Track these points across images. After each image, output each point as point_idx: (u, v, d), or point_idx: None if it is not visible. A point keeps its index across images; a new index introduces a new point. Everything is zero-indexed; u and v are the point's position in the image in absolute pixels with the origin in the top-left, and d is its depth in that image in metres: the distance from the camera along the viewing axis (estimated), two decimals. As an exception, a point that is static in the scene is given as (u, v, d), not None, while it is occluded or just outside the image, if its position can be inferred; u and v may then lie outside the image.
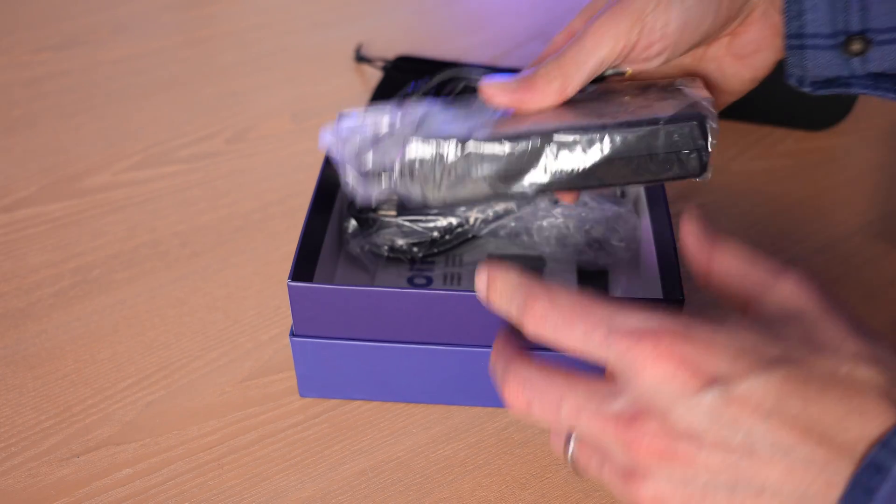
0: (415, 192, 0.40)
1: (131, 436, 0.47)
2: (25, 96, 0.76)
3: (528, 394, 0.33)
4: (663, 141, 0.39)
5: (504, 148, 0.39)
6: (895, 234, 0.61)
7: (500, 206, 0.57)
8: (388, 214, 0.57)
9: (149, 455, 0.46)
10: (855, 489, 0.28)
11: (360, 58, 0.80)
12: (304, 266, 0.47)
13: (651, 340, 0.29)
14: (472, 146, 0.39)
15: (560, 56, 0.40)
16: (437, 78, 0.44)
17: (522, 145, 0.39)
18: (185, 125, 0.73)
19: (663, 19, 0.39)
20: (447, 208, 0.41)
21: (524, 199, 0.41)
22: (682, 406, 0.29)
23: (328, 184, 0.53)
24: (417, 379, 0.48)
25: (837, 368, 0.29)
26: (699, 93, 0.40)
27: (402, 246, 0.56)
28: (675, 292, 0.44)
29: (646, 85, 0.42)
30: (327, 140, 0.41)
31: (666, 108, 0.39)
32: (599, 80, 0.43)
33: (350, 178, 0.41)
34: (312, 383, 0.49)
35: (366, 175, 0.41)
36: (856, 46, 0.40)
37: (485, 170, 0.40)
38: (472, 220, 0.57)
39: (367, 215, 0.57)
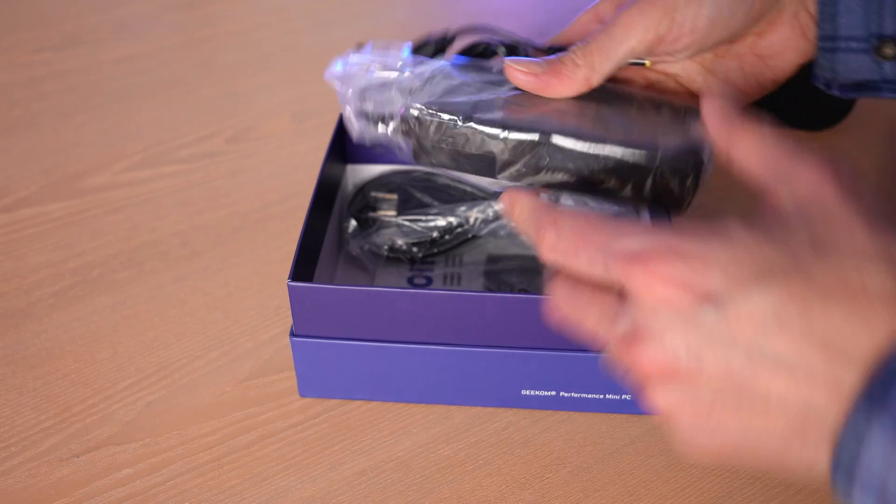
0: (406, 149, 0.41)
1: (131, 436, 0.47)
2: (25, 96, 0.76)
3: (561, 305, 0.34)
4: (655, 173, 0.39)
5: (502, 135, 0.39)
6: (895, 234, 0.60)
7: (500, 206, 0.57)
8: (388, 214, 0.57)
9: (149, 455, 0.46)
10: (872, 390, 0.26)
11: (360, 58, 0.80)
12: (304, 266, 0.47)
13: (643, 264, 0.29)
14: (472, 125, 0.39)
15: (588, 44, 0.39)
16: (457, 31, 0.44)
17: (520, 138, 0.39)
18: (185, 125, 0.73)
19: (694, 14, 0.39)
20: (432, 168, 0.41)
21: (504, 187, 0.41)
22: (679, 327, 0.29)
23: (328, 184, 0.53)
24: (417, 379, 0.48)
25: (843, 272, 0.27)
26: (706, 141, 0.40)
27: (401, 246, 0.56)
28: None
29: (658, 101, 0.42)
30: (335, 73, 0.41)
31: (668, 139, 0.39)
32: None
33: (348, 114, 0.41)
34: (312, 383, 0.49)
35: (364, 115, 0.41)
36: (889, 50, 0.40)
37: (479, 150, 0.40)
38: (472, 220, 0.57)
39: (366, 215, 0.57)
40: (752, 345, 0.28)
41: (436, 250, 0.57)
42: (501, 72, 0.41)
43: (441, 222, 0.56)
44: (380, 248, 0.56)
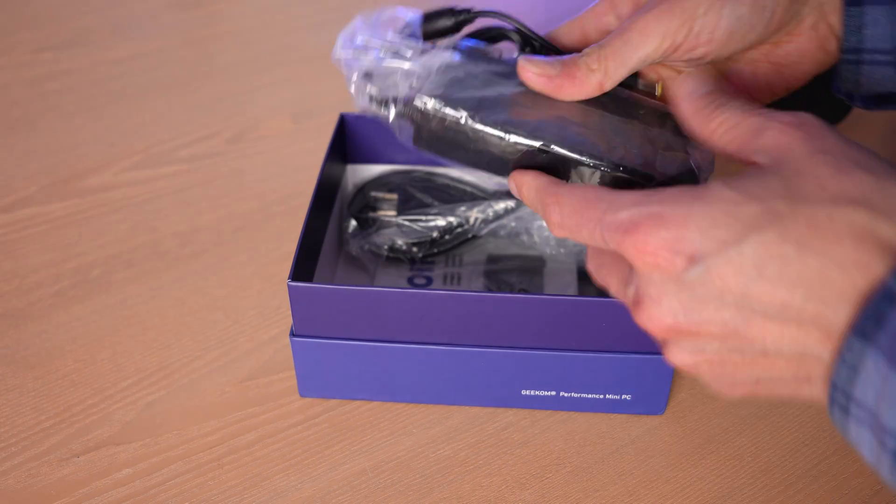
0: (405, 134, 0.41)
1: (131, 436, 0.47)
2: (25, 96, 0.76)
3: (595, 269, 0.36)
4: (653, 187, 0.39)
5: (504, 138, 0.39)
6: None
7: (500, 206, 0.57)
8: (388, 214, 0.57)
9: (149, 455, 0.46)
10: (859, 327, 0.28)
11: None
12: (304, 266, 0.47)
13: (632, 234, 0.31)
14: (475, 124, 0.39)
15: (603, 48, 0.39)
16: (479, 12, 0.43)
17: (522, 142, 0.39)
18: (185, 125, 0.73)
19: (713, 23, 0.38)
20: (431, 155, 0.41)
21: (502, 184, 0.41)
22: (672, 289, 0.31)
23: (328, 184, 0.53)
24: (417, 379, 0.48)
25: (814, 220, 0.29)
26: (704, 162, 0.40)
27: (401, 246, 0.56)
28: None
29: (663, 113, 0.41)
30: (341, 51, 0.40)
31: (667, 165, 0.39)
32: (627, 86, 0.42)
33: (352, 88, 0.40)
34: (312, 383, 0.49)
35: (368, 96, 0.41)
36: None
37: (480, 148, 0.40)
38: (472, 220, 0.57)
39: (366, 215, 0.57)
40: (739, 298, 0.30)
41: (436, 250, 0.57)
42: (510, 62, 0.41)
43: (441, 222, 0.56)
44: (380, 248, 0.56)
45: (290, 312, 0.52)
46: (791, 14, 0.40)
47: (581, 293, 0.55)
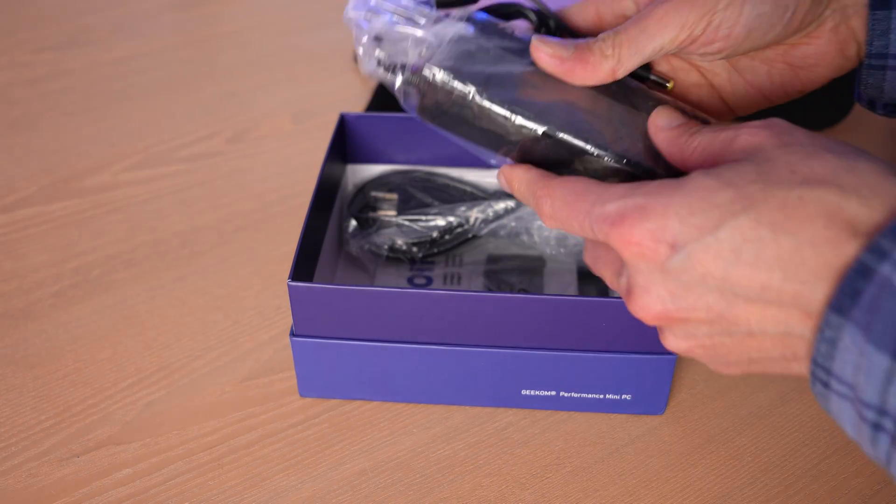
0: (410, 103, 0.40)
1: (131, 436, 0.47)
2: (25, 96, 0.76)
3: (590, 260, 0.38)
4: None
5: (510, 118, 0.39)
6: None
7: (500, 206, 0.57)
8: (388, 214, 0.57)
9: (149, 455, 0.46)
10: (836, 304, 0.29)
11: (361, 58, 0.80)
12: (304, 266, 0.47)
13: (618, 226, 0.32)
14: (481, 101, 0.39)
15: (618, 34, 0.38)
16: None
17: (526, 125, 0.39)
18: (185, 125, 0.73)
19: (732, 19, 0.38)
20: (433, 126, 0.41)
21: (501, 162, 0.41)
22: (658, 277, 0.32)
23: (328, 184, 0.53)
24: (417, 379, 0.48)
25: (786, 199, 0.30)
26: None
27: (401, 246, 0.56)
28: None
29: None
30: (352, 11, 0.40)
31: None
32: (639, 77, 0.42)
33: (360, 50, 0.40)
34: (312, 383, 0.49)
35: (376, 58, 0.40)
36: None
37: (484, 125, 0.39)
38: (472, 220, 0.57)
39: (366, 215, 0.57)
40: (721, 283, 0.31)
41: (436, 250, 0.57)
42: (523, 41, 0.40)
43: (441, 222, 0.56)
44: (380, 248, 0.56)
45: (290, 312, 0.52)
46: (813, 15, 0.40)
47: (581, 293, 0.55)
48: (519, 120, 0.39)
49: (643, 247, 0.32)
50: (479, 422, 0.48)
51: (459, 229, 0.57)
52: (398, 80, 0.40)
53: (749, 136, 0.33)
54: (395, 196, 0.57)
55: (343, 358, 0.47)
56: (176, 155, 0.69)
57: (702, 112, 0.42)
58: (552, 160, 0.40)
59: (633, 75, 0.42)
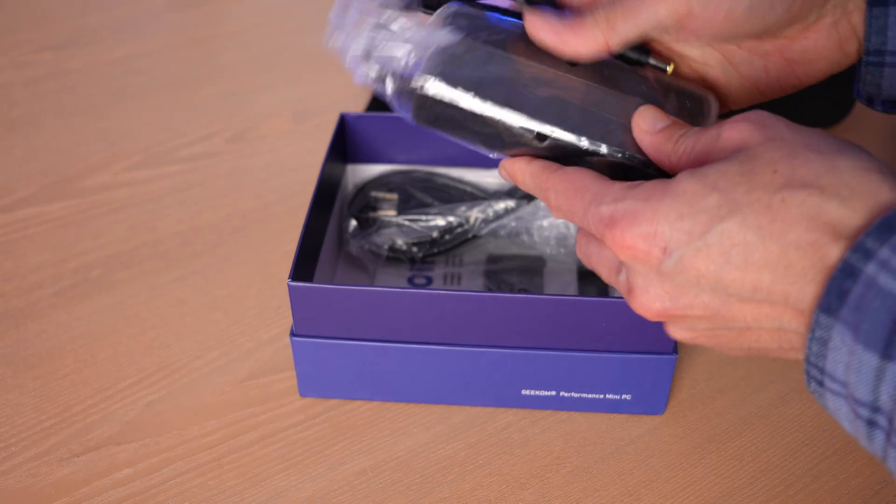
0: (405, 110, 0.40)
1: (131, 436, 0.47)
2: (25, 96, 0.76)
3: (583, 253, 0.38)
4: (650, 175, 0.39)
5: (504, 121, 0.39)
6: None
7: (500, 206, 0.57)
8: (388, 214, 0.57)
9: (149, 455, 0.46)
10: (825, 304, 0.29)
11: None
12: (304, 266, 0.47)
13: (611, 229, 0.33)
14: (474, 106, 0.39)
15: (614, 4, 0.38)
16: None
17: (521, 125, 0.39)
18: (185, 125, 0.73)
19: None
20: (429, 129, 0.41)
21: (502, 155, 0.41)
22: (655, 277, 0.33)
23: (328, 184, 0.53)
24: (417, 379, 0.48)
25: (771, 203, 0.30)
26: None
27: (402, 246, 0.56)
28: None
29: (667, 89, 0.40)
30: (332, 38, 0.40)
31: None
32: (636, 63, 0.42)
33: (348, 67, 0.40)
34: (312, 383, 0.49)
35: (365, 73, 0.40)
36: None
37: (477, 126, 0.39)
38: (472, 220, 0.57)
39: (367, 215, 0.57)
40: (714, 284, 0.32)
41: (436, 250, 0.57)
42: (510, 28, 0.40)
43: (441, 222, 0.56)
44: (380, 248, 0.56)
45: (290, 312, 0.52)
46: (814, 5, 0.39)
47: (581, 293, 0.55)
48: (512, 122, 0.39)
49: (636, 250, 0.33)
50: (479, 422, 0.48)
51: (459, 229, 0.57)
52: (389, 90, 0.40)
53: (732, 132, 0.34)
54: (395, 196, 0.57)
55: (343, 358, 0.47)
56: (176, 155, 0.69)
57: (703, 87, 0.42)
58: (551, 155, 0.40)
59: (632, 59, 0.41)
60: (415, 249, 0.56)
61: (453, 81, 0.39)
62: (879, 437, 0.29)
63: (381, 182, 0.58)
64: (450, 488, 0.45)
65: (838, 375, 0.29)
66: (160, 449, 0.47)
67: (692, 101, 0.40)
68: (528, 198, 0.57)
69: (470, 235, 0.57)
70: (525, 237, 0.57)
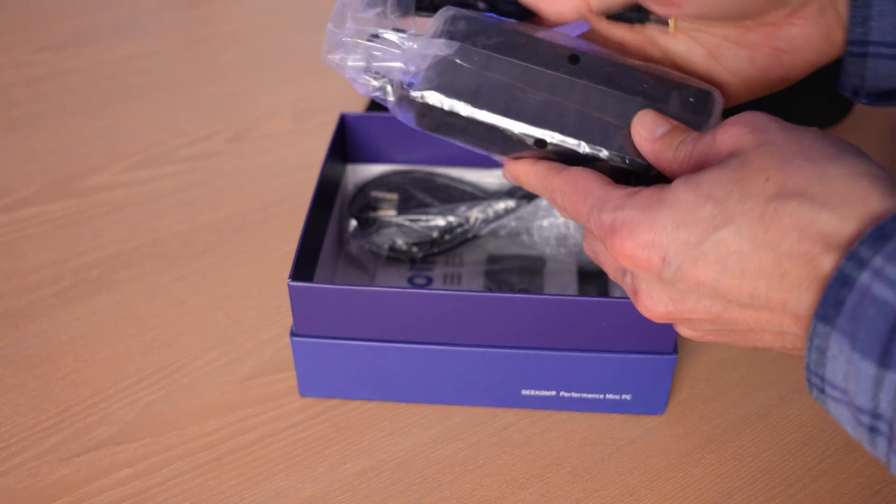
0: (408, 118, 0.40)
1: (131, 436, 0.47)
2: (25, 96, 0.76)
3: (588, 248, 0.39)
4: (651, 177, 0.39)
5: (503, 129, 0.39)
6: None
7: (500, 206, 0.57)
8: (388, 214, 0.57)
9: (149, 455, 0.46)
10: (821, 313, 0.30)
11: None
12: (304, 266, 0.47)
13: (611, 238, 0.34)
14: (473, 116, 0.39)
15: None
16: None
17: (520, 132, 0.39)
18: (185, 125, 0.73)
19: None
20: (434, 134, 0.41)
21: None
22: (657, 284, 0.34)
23: (328, 184, 0.53)
24: (417, 379, 0.48)
25: (764, 213, 0.31)
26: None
27: (402, 246, 0.56)
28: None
29: (671, 89, 0.41)
30: (328, 56, 0.40)
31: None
32: (636, 22, 0.41)
33: (349, 79, 0.40)
34: (312, 383, 0.49)
35: (365, 86, 0.40)
36: None
37: (478, 133, 0.40)
38: (472, 220, 0.57)
39: (367, 215, 0.57)
40: (713, 291, 0.32)
41: (436, 250, 0.57)
42: (505, 29, 0.40)
43: (441, 222, 0.56)
44: (380, 248, 0.56)
45: (290, 312, 0.52)
46: None
47: (581, 293, 0.55)
48: (511, 129, 0.39)
49: (636, 259, 0.33)
50: (479, 422, 0.48)
51: (459, 229, 0.57)
52: (390, 100, 0.40)
53: (725, 136, 0.34)
54: (395, 196, 0.57)
55: (343, 358, 0.47)
56: (176, 155, 0.69)
57: (701, 80, 0.41)
58: (554, 157, 0.40)
59: (632, 19, 0.41)
60: (415, 249, 0.56)
61: (451, 92, 0.39)
62: (882, 442, 0.29)
63: (381, 182, 0.58)
64: (450, 488, 0.45)
65: (838, 383, 0.29)
66: (160, 449, 0.47)
67: (696, 97, 0.40)
68: (529, 198, 0.57)
69: (470, 235, 0.57)
70: (525, 237, 0.57)
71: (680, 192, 0.33)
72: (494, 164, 0.58)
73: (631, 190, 0.35)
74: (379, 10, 0.40)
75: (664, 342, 0.45)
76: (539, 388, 0.47)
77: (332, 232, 0.55)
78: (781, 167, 0.31)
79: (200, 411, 0.49)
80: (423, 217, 0.56)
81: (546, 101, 0.39)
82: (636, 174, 0.39)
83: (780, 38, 0.41)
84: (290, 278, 0.44)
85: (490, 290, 0.55)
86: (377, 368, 0.47)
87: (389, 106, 0.41)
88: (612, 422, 0.48)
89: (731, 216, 0.31)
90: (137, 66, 0.81)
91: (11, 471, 0.46)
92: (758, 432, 0.48)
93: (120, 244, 0.60)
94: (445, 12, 0.41)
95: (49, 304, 0.55)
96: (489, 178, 0.59)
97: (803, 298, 0.31)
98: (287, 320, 0.54)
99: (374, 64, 0.40)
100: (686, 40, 0.42)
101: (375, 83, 0.40)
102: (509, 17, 0.42)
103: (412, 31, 0.41)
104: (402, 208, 0.57)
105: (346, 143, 0.58)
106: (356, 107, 0.74)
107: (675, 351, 0.46)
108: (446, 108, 0.39)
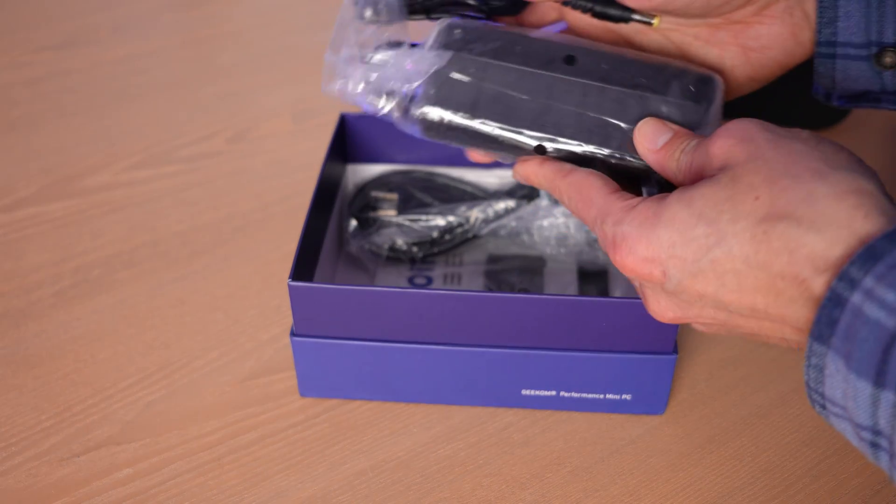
0: (413, 130, 0.41)
1: (131, 436, 0.47)
2: (25, 96, 0.76)
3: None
4: (651, 177, 0.39)
5: (503, 137, 0.39)
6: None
7: (500, 206, 0.57)
8: (389, 214, 0.57)
9: (149, 455, 0.46)
10: (817, 332, 0.30)
11: (360, 58, 0.80)
12: (304, 266, 0.47)
13: (612, 252, 0.36)
14: (474, 124, 0.39)
15: None
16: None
17: (520, 140, 0.39)
18: (185, 125, 0.73)
19: None
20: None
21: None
22: (661, 293, 0.35)
23: (328, 184, 0.53)
24: (417, 379, 0.48)
25: (755, 235, 0.31)
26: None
27: (402, 246, 0.56)
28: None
29: (669, 80, 0.40)
30: (328, 86, 0.41)
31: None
32: (619, 20, 0.41)
33: (349, 93, 0.41)
34: (312, 383, 0.49)
35: (369, 103, 0.41)
36: (889, 59, 0.39)
37: (481, 141, 0.40)
38: (472, 220, 0.57)
39: (367, 215, 0.57)
40: (715, 302, 0.33)
41: (436, 250, 0.57)
42: (502, 35, 0.40)
43: (441, 222, 0.56)
44: (380, 248, 0.56)
45: (290, 312, 0.52)
46: None
47: (581, 293, 0.55)
48: (512, 137, 0.39)
49: (639, 272, 0.35)
50: (479, 422, 0.48)
51: (459, 229, 0.57)
52: (394, 116, 0.41)
53: (718, 149, 0.34)
54: (395, 196, 0.57)
55: (343, 358, 0.47)
56: (176, 155, 0.69)
57: (699, 64, 0.42)
58: (556, 159, 0.40)
59: (615, 17, 0.41)
60: (415, 249, 0.56)
61: (449, 105, 0.40)
62: (884, 457, 0.29)
63: (381, 182, 0.58)
64: (450, 488, 0.45)
65: (838, 400, 0.30)
66: (160, 449, 0.47)
67: (696, 84, 0.40)
68: (529, 198, 0.57)
69: (470, 235, 0.57)
70: (525, 237, 0.57)
71: (674, 208, 0.34)
72: (494, 165, 0.58)
73: (630, 202, 0.36)
74: (375, 26, 0.41)
75: (664, 342, 0.45)
76: (539, 388, 0.47)
77: (332, 232, 0.55)
78: (769, 186, 0.32)
79: (200, 411, 0.49)
80: (423, 217, 0.56)
81: (543, 106, 0.39)
82: (640, 172, 0.40)
83: (748, 36, 0.42)
84: (290, 278, 0.44)
85: (490, 290, 0.55)
86: (377, 368, 0.47)
87: (395, 122, 0.41)
88: (612, 422, 0.48)
89: (723, 236, 0.32)
90: (137, 66, 0.81)
91: (11, 471, 0.46)
92: (758, 432, 0.48)
93: (120, 244, 0.60)
94: (441, 23, 0.41)
95: (49, 304, 0.55)
96: (489, 178, 0.59)
97: (800, 314, 0.31)
98: (287, 320, 0.54)
99: (374, 84, 0.40)
100: (659, 39, 0.43)
101: (379, 103, 0.41)
102: (500, 11, 0.43)
103: (408, 43, 0.41)
104: (402, 208, 0.57)
105: (346, 143, 0.58)
106: (356, 107, 0.74)
107: (675, 351, 0.46)
108: (446, 120, 0.40)
